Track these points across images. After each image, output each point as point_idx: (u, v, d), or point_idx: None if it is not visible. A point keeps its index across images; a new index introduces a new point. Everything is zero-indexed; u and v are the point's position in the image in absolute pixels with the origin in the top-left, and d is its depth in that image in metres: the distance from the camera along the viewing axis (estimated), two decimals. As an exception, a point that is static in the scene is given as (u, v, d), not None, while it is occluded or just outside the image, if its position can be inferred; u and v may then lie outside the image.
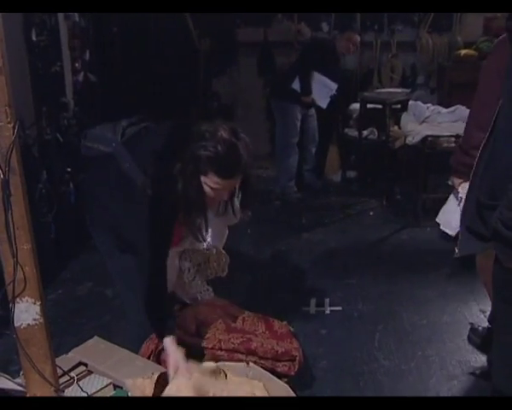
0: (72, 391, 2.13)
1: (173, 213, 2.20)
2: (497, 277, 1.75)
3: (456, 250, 1.93)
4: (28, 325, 1.45)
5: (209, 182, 2.08)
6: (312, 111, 5.54)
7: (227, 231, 2.75)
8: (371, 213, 4.97)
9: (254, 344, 2.49)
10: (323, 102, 5.30)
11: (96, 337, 2.64)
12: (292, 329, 2.73)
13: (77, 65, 4.59)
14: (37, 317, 1.44)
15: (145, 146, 2.26)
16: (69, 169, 4.16)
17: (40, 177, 3.82)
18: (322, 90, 5.27)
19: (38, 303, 1.43)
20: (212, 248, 2.68)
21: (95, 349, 2.53)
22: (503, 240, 1.57)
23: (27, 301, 1.42)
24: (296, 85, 5.30)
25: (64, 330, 3.15)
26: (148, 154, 2.19)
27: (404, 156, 5.23)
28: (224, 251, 2.77)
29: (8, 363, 2.88)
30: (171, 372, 2.14)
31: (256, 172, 6.10)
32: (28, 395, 1.53)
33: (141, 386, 2.12)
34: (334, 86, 5.27)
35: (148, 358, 2.51)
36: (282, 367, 2.47)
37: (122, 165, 2.20)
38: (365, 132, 5.68)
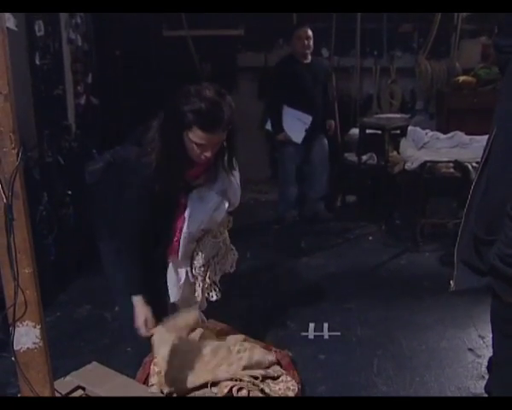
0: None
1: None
2: (496, 312, 1.75)
3: (452, 284, 1.90)
4: (28, 348, 1.45)
5: (193, 137, 2.22)
6: (323, 140, 5.39)
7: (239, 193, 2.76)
8: (370, 238, 4.98)
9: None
10: (298, 137, 5.11)
11: (94, 363, 2.64)
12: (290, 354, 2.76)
13: (79, 88, 4.63)
14: (37, 341, 1.44)
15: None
16: (70, 192, 4.19)
17: (41, 199, 3.84)
18: (296, 124, 5.09)
19: (38, 327, 1.43)
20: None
21: (93, 374, 2.54)
22: (502, 276, 1.57)
23: (27, 324, 1.43)
24: (269, 125, 5.27)
25: (62, 353, 3.14)
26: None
27: (403, 181, 5.25)
28: (233, 247, 2.85)
29: (6, 386, 2.88)
30: (139, 325, 2.46)
31: (254, 196, 6.14)
32: (26, 419, 1.53)
33: None
34: (307, 119, 5.06)
35: (146, 379, 2.54)
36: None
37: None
38: (364, 157, 5.71)
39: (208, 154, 2.30)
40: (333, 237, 4.99)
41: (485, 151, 1.69)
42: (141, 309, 2.46)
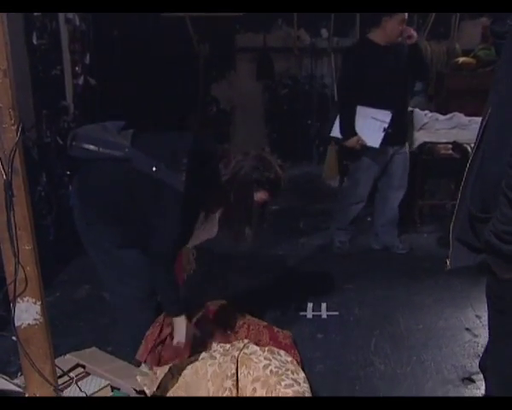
0: (70, 392, 2.15)
1: (198, 211, 2.45)
2: (491, 289, 1.77)
3: (448, 262, 1.91)
4: (28, 324, 1.46)
5: (257, 196, 2.43)
6: (404, 149, 4.24)
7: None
8: (369, 219, 4.98)
9: None
10: (374, 140, 3.99)
11: (94, 348, 2.67)
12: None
13: (77, 68, 4.61)
14: (38, 317, 1.45)
15: (165, 148, 2.37)
16: (68, 172, 4.18)
17: (39, 179, 3.84)
18: (371, 124, 3.99)
19: (39, 303, 1.44)
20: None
21: (92, 356, 2.57)
22: (497, 253, 1.58)
23: (28, 301, 1.44)
24: (336, 131, 4.18)
25: (62, 333, 3.16)
26: (169, 154, 2.31)
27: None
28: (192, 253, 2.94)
29: (6, 364, 2.89)
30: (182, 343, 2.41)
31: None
32: (27, 395, 1.54)
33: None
34: (386, 116, 3.97)
35: (154, 342, 2.55)
36: None
37: (141, 167, 2.29)
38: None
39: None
40: (332, 219, 4.97)
41: (479, 130, 1.70)
42: (186, 329, 2.41)
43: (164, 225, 2.27)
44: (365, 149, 4.04)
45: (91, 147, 2.35)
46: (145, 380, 2.37)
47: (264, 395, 2.19)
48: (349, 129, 4.03)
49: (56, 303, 3.63)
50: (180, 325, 2.39)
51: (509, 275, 1.61)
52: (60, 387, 1.58)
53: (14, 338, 2.92)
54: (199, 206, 2.43)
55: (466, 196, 1.74)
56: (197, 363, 2.45)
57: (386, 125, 3.95)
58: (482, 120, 1.69)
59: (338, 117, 4.13)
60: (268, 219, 2.75)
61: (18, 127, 1.33)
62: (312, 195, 5.87)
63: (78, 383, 2.18)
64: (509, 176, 1.48)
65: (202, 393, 2.28)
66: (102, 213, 2.42)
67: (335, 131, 4.19)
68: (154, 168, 2.25)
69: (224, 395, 2.23)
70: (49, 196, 3.91)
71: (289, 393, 2.15)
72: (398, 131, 4.07)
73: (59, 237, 4.06)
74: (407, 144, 4.30)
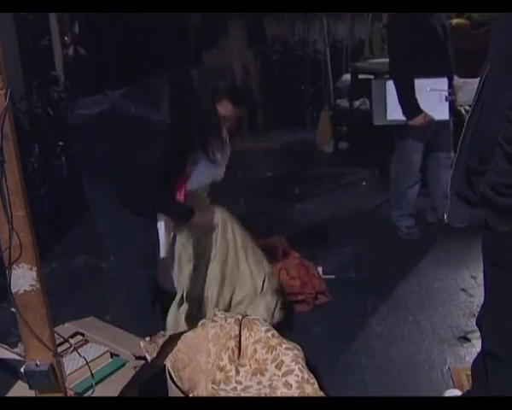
0: (70, 358, 2.16)
1: (188, 143, 2.39)
2: (487, 242, 1.78)
3: (445, 217, 1.93)
4: (25, 290, 1.46)
5: (222, 110, 2.30)
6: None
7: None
8: (363, 183, 4.99)
9: None
10: (442, 113, 3.69)
11: (91, 317, 2.67)
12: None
13: (66, 38, 4.55)
14: (34, 283, 1.45)
15: (148, 91, 2.38)
16: (61, 143, 4.16)
17: (32, 150, 3.82)
18: (431, 97, 3.66)
19: (35, 269, 1.44)
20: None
21: (91, 325, 2.57)
22: (492, 205, 1.59)
23: (23, 267, 1.43)
24: (394, 114, 3.75)
25: (59, 303, 3.17)
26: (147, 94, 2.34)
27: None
28: None
29: (6, 335, 2.91)
30: None
31: (248, 144, 6.10)
32: (27, 361, 1.55)
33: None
34: (443, 83, 3.67)
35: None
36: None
37: (126, 112, 2.30)
38: (357, 103, 5.67)
39: (231, 126, 2.37)
40: (326, 183, 4.99)
41: (479, 84, 1.70)
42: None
43: (150, 154, 2.28)
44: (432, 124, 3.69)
45: (87, 111, 2.38)
46: (147, 346, 2.38)
47: (264, 354, 2.21)
48: (414, 107, 3.66)
49: (53, 274, 3.64)
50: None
51: (504, 228, 1.62)
52: (59, 353, 1.58)
53: (12, 309, 2.93)
54: (184, 138, 2.38)
55: (464, 150, 1.75)
56: (198, 328, 2.47)
57: (446, 94, 3.65)
58: (481, 74, 1.69)
59: (396, 98, 3.69)
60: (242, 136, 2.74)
61: (7, 92, 1.30)
62: (306, 161, 5.86)
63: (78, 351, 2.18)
64: (506, 129, 1.47)
65: (203, 355, 2.30)
66: (103, 171, 2.42)
67: (393, 114, 3.75)
68: (132, 109, 2.28)
69: (226, 355, 2.25)
70: (41, 166, 3.89)
71: (289, 355, 2.17)
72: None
73: (53, 208, 4.05)
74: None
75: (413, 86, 3.63)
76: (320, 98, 6.42)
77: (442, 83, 3.66)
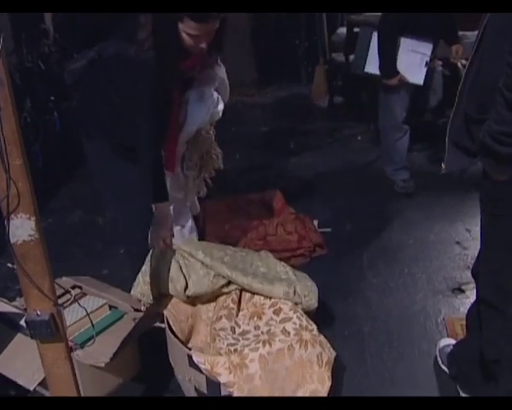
0: (69, 311, 2.17)
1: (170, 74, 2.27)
2: (485, 191, 1.78)
3: (443, 166, 1.92)
4: (24, 241, 1.44)
5: (185, 28, 2.14)
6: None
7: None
8: (359, 138, 4.96)
9: None
10: (417, 77, 3.68)
11: (88, 277, 2.68)
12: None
13: (55, -11, 4.44)
14: (33, 232, 1.43)
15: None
16: (53, 97, 4.10)
17: (24, 105, 3.76)
18: (412, 58, 3.63)
19: (33, 219, 1.42)
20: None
21: (88, 281, 2.58)
22: (491, 153, 1.58)
23: (22, 216, 1.41)
24: (372, 66, 3.79)
25: (56, 258, 3.13)
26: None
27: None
28: (218, 148, 2.84)
29: (4, 290, 2.91)
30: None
31: (242, 99, 6.05)
32: (28, 311, 1.55)
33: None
34: (427, 48, 3.65)
35: None
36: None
37: (108, 55, 2.24)
38: (352, 57, 5.58)
39: (203, 44, 2.24)
40: (322, 138, 4.96)
41: (478, 32, 1.68)
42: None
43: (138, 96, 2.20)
44: (405, 84, 3.70)
45: (77, 65, 2.34)
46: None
47: (262, 299, 2.22)
48: (391, 68, 3.64)
49: (49, 229, 3.62)
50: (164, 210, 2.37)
51: (503, 177, 1.61)
52: (60, 303, 1.58)
53: (9, 265, 2.93)
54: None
55: (462, 99, 1.73)
56: None
57: (427, 59, 3.64)
58: (481, 23, 1.66)
59: (377, 51, 3.66)
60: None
61: None
62: (301, 115, 5.81)
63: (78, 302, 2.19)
64: (507, 75, 1.46)
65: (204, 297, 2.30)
66: (99, 122, 2.39)
67: (371, 67, 3.79)
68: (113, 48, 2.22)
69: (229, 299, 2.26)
70: (34, 121, 3.84)
71: (288, 304, 2.18)
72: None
73: (48, 163, 4.02)
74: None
75: (394, 46, 3.60)
76: (315, 52, 6.32)
77: (426, 47, 3.63)
